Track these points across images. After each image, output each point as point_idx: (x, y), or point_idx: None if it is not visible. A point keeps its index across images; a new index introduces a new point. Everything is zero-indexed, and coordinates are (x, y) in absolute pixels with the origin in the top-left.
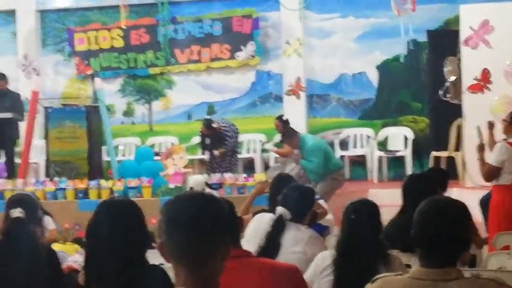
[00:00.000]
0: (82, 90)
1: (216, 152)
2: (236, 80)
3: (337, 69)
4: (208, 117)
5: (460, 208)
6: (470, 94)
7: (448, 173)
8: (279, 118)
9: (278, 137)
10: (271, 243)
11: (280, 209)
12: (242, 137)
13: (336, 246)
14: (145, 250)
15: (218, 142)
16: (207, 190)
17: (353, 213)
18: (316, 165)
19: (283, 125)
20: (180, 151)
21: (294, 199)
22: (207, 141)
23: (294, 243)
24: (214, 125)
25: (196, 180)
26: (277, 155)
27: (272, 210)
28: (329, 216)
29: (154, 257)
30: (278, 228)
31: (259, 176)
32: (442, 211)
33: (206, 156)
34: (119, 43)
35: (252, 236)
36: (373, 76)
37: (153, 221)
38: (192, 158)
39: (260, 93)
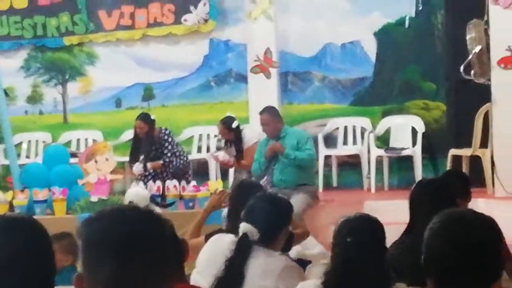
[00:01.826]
0: None
1: (149, 166)
2: (182, 53)
3: (321, 37)
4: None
5: (488, 225)
6: (501, 70)
7: (468, 178)
8: (226, 123)
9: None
10: (232, 274)
11: (244, 227)
12: (191, 131)
13: (324, 279)
14: (51, 287)
15: (152, 149)
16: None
17: (349, 234)
18: (313, 154)
19: (233, 134)
20: (105, 150)
21: (264, 212)
22: (142, 147)
23: (263, 274)
24: (153, 118)
25: (138, 195)
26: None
27: (232, 230)
28: (317, 247)
29: None
30: (242, 252)
31: (215, 184)
32: (463, 228)
33: (136, 168)
34: (22, 2)
35: (206, 266)
36: (370, 47)
37: None
38: (122, 160)
39: (216, 71)
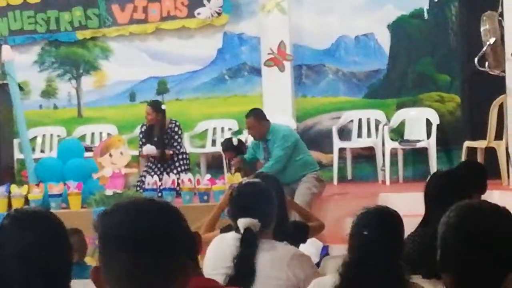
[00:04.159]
0: None
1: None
2: (196, 47)
3: (334, 29)
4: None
5: (504, 216)
6: None
7: (486, 170)
8: (227, 145)
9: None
10: (243, 271)
11: (245, 221)
12: (205, 125)
13: (342, 271)
14: (68, 280)
15: (163, 138)
16: None
17: (367, 227)
18: (274, 165)
19: (235, 152)
20: (119, 144)
21: (255, 199)
22: (154, 132)
23: (272, 265)
24: (164, 107)
25: None
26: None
27: None
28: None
29: None
30: (249, 247)
31: (231, 178)
32: (479, 220)
33: (148, 148)
34: None
35: (213, 267)
36: (384, 39)
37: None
38: (136, 154)
39: (230, 64)
